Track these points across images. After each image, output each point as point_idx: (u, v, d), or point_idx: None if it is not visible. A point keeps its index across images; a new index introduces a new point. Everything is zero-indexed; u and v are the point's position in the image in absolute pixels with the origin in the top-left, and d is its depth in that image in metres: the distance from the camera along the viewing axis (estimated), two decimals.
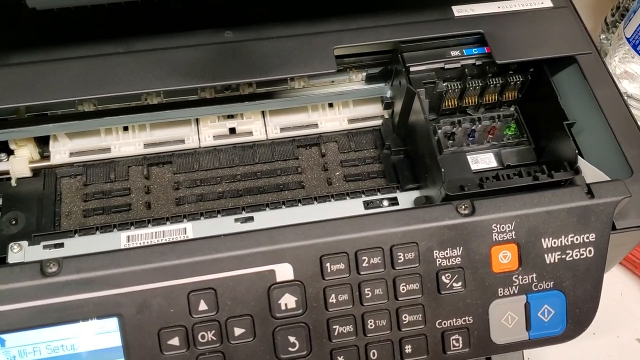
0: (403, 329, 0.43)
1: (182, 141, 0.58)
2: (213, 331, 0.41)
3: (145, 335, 0.41)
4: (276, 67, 0.52)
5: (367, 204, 0.54)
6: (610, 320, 0.62)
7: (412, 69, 0.54)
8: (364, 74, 0.59)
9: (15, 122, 0.55)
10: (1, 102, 0.50)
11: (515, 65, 0.55)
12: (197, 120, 0.59)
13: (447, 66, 0.55)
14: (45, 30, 0.54)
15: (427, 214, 0.43)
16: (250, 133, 0.59)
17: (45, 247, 0.50)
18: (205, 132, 0.58)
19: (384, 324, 0.43)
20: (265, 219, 0.52)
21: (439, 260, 0.43)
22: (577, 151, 0.49)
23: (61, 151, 0.57)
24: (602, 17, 0.76)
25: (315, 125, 0.60)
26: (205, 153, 0.58)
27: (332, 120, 0.60)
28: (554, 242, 0.44)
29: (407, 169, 0.57)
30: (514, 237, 0.44)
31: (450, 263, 0.43)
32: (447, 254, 0.43)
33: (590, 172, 0.48)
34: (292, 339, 0.42)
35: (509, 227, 0.44)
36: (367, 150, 0.59)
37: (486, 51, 0.55)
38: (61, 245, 0.50)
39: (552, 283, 0.44)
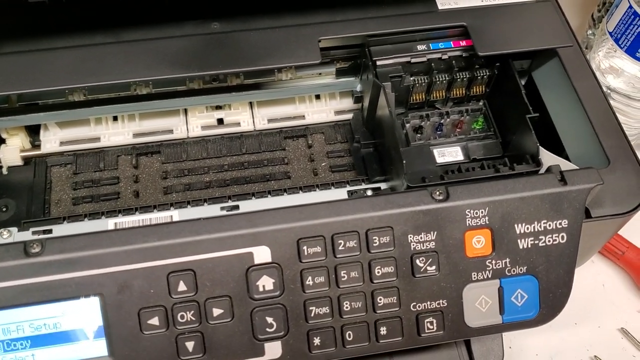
0: (378, 311, 0.44)
1: (171, 131, 0.59)
2: (192, 311, 0.42)
3: (126, 315, 0.42)
4: (262, 58, 0.53)
5: (351, 194, 0.55)
6: (591, 310, 0.63)
7: (378, 62, 0.55)
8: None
9: (6, 110, 0.56)
10: None
11: (480, 60, 0.56)
12: (185, 111, 0.60)
13: (413, 60, 0.55)
14: (36, 20, 0.55)
15: (402, 199, 0.43)
16: (238, 124, 0.60)
17: (34, 232, 0.51)
18: (194, 122, 0.59)
19: (360, 306, 0.44)
20: (250, 207, 0.52)
21: (413, 245, 0.44)
22: (538, 144, 0.50)
23: (52, 140, 0.58)
24: (590, 13, 0.76)
25: (302, 117, 0.61)
26: (194, 143, 0.59)
27: (319, 112, 0.61)
28: (527, 228, 0.45)
29: (375, 162, 0.58)
30: (487, 222, 0.44)
31: (425, 247, 0.44)
32: (421, 238, 0.44)
33: (557, 163, 0.48)
34: (269, 319, 0.43)
35: (482, 212, 0.44)
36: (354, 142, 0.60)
37: (452, 45, 0.56)
38: (50, 231, 0.51)
39: (525, 268, 0.45)
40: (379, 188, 0.55)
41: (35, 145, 0.58)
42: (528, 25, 0.56)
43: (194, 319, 0.42)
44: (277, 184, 0.58)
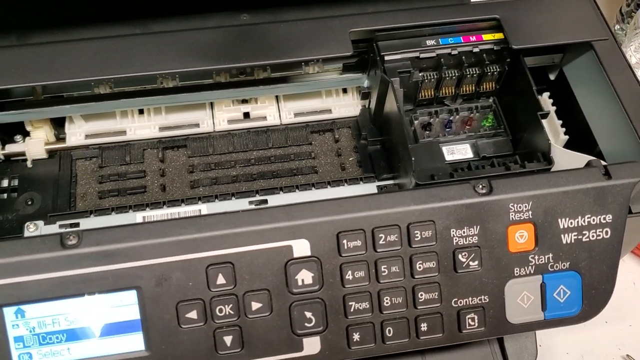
0: (419, 307, 0.43)
1: (197, 125, 0.58)
2: (231, 305, 0.41)
3: (164, 308, 0.41)
4: (292, 50, 0.52)
5: (380, 189, 0.54)
6: (622, 308, 0.62)
7: (387, 57, 0.54)
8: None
9: (31, 103, 0.55)
10: (19, 81, 0.50)
11: (489, 55, 0.55)
12: (211, 105, 0.59)
13: (422, 55, 0.54)
14: (64, 10, 0.54)
15: (444, 192, 0.43)
16: (264, 118, 0.59)
17: (61, 226, 0.50)
18: (220, 116, 0.59)
19: (400, 301, 0.43)
20: (279, 202, 0.52)
21: (455, 239, 0.43)
22: (549, 141, 0.49)
23: (77, 133, 0.57)
24: (617, 8, 0.75)
25: (329, 111, 0.60)
26: (220, 137, 0.59)
27: (346, 106, 0.60)
28: (571, 223, 0.44)
29: (382, 159, 0.57)
30: (530, 216, 0.44)
31: (467, 242, 0.43)
32: (464, 232, 0.43)
33: (573, 159, 0.48)
34: (308, 314, 0.43)
35: (526, 206, 0.44)
36: None
37: (462, 41, 0.55)
38: (77, 225, 0.51)
39: (568, 263, 0.44)
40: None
41: (60, 138, 0.58)
42: (562, 18, 0.56)
43: (232, 312, 0.41)
44: (304, 179, 0.57)
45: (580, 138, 0.56)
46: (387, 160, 0.57)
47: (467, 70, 0.55)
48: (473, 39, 0.55)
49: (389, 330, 0.43)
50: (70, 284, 0.40)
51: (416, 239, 0.42)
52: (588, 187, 0.44)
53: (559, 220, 0.44)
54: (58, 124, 0.58)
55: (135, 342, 0.41)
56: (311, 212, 0.42)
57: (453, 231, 0.43)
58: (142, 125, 0.58)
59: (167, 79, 0.56)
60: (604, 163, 0.45)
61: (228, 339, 0.41)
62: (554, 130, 0.57)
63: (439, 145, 0.55)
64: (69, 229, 0.45)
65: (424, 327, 0.43)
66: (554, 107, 0.58)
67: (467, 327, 0.44)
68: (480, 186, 0.43)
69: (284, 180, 0.57)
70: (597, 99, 0.55)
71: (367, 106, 0.60)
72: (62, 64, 0.51)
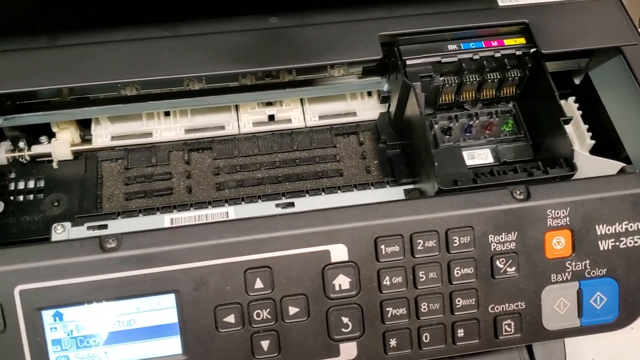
0: (456, 313, 0.43)
1: (222, 127, 0.58)
2: (268, 309, 0.41)
3: (202, 312, 0.41)
4: (321, 53, 0.52)
5: (407, 192, 0.54)
6: None
7: (408, 62, 0.54)
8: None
9: (58, 104, 0.55)
10: (47, 83, 0.50)
11: (511, 61, 0.54)
12: (237, 107, 0.59)
13: (444, 60, 0.54)
14: (93, 12, 0.54)
15: (483, 198, 0.43)
16: (289, 120, 0.59)
17: (89, 228, 0.50)
18: (245, 118, 0.59)
19: (437, 307, 0.43)
20: (305, 205, 0.52)
21: (493, 245, 0.43)
22: (572, 147, 0.49)
23: (103, 135, 0.57)
24: None
25: (354, 114, 0.60)
26: (245, 139, 0.58)
27: (371, 109, 0.60)
28: (608, 229, 0.44)
29: (402, 163, 0.56)
30: (568, 223, 0.44)
31: (505, 248, 0.43)
32: (502, 238, 0.43)
33: (598, 164, 0.48)
34: (345, 319, 0.42)
35: (563, 212, 0.43)
36: None
37: (484, 46, 0.55)
38: (105, 226, 0.50)
39: (605, 270, 0.44)
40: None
41: (86, 139, 0.58)
42: (590, 22, 0.56)
43: (269, 317, 0.41)
44: (330, 182, 0.57)
45: (607, 143, 0.55)
46: (407, 164, 0.56)
47: (488, 75, 0.55)
48: (495, 43, 0.55)
49: (426, 336, 0.43)
50: (108, 287, 0.40)
51: (454, 244, 0.42)
52: (625, 194, 0.44)
53: (596, 226, 0.44)
54: (84, 126, 0.58)
55: (173, 345, 0.41)
56: (349, 216, 0.42)
57: (491, 237, 0.43)
58: (167, 127, 0.58)
59: (194, 81, 0.56)
60: (632, 170, 0.45)
61: (265, 344, 0.41)
62: (579, 134, 0.57)
63: (460, 149, 0.55)
64: (108, 232, 0.44)
65: (460, 333, 0.43)
66: (580, 112, 0.58)
67: (504, 333, 0.43)
68: (518, 192, 0.43)
69: (309, 183, 0.56)
70: (625, 104, 0.55)
71: (387, 110, 0.59)
72: (91, 66, 0.51)
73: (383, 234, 0.42)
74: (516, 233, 0.43)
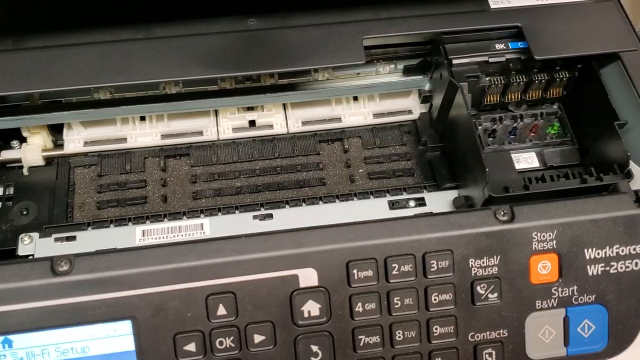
0: (433, 342, 0.41)
1: (201, 133, 0.57)
2: (232, 337, 0.40)
3: (161, 340, 0.39)
4: (302, 58, 0.51)
5: (392, 204, 0.52)
6: None
7: (454, 61, 0.52)
8: (393, 66, 0.57)
9: (28, 108, 0.54)
10: (15, 87, 0.49)
11: (561, 61, 0.53)
12: (216, 112, 0.57)
13: (491, 60, 0.53)
14: (62, 13, 0.53)
15: (463, 220, 0.41)
16: (271, 126, 0.57)
17: (56, 239, 0.49)
18: (225, 124, 0.57)
19: (413, 335, 0.41)
20: (284, 217, 0.50)
21: (474, 270, 0.41)
22: (628, 153, 0.46)
23: (75, 140, 0.56)
24: None
25: (339, 119, 0.58)
26: (224, 146, 0.57)
27: (357, 115, 0.58)
28: (598, 253, 0.42)
29: (444, 166, 0.55)
30: (555, 246, 0.42)
31: (487, 273, 0.41)
32: (483, 262, 0.41)
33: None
34: (314, 348, 0.41)
35: (550, 235, 0.41)
36: (393, 147, 0.57)
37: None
38: (73, 238, 0.49)
39: (594, 297, 0.42)
40: (422, 199, 0.52)
41: (58, 144, 0.56)
42: (588, 26, 0.54)
43: (233, 345, 0.40)
44: (312, 191, 0.55)
45: None
46: (448, 168, 0.54)
47: (536, 75, 0.53)
48: None
49: None
50: (61, 313, 0.38)
51: (432, 269, 0.40)
52: (618, 215, 0.42)
53: (586, 250, 0.42)
54: (56, 130, 0.56)
55: None
56: (320, 238, 0.40)
57: (472, 261, 0.41)
58: (143, 132, 0.56)
59: (170, 85, 0.55)
60: (634, 188, 0.42)
61: None
62: None
63: (510, 154, 0.53)
64: (61, 252, 0.42)
65: None
66: None
67: None
68: (502, 212, 0.41)
69: (290, 192, 0.55)
70: (625, 112, 0.52)
71: (427, 110, 0.58)
72: (60, 70, 0.49)
73: (356, 257, 0.40)
74: (499, 257, 0.41)
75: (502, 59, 0.53)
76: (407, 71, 0.57)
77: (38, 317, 0.38)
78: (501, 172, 0.51)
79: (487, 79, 0.53)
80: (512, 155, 0.53)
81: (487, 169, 0.45)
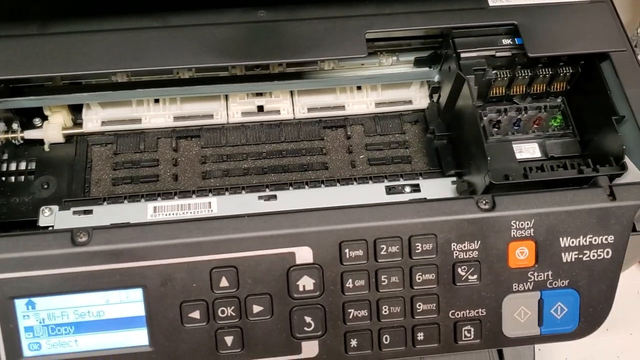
0: (416, 317, 0.44)
1: (211, 116, 0.59)
2: (233, 307, 0.43)
3: (168, 307, 0.42)
4: (307, 49, 0.53)
5: (389, 189, 0.54)
6: (624, 317, 0.62)
7: (462, 55, 0.54)
8: (395, 58, 0.59)
9: (50, 89, 0.56)
10: (40, 70, 0.51)
11: (563, 58, 0.55)
12: (226, 97, 0.59)
13: (498, 54, 0.54)
14: (85, 1, 0.55)
15: (447, 207, 0.43)
16: (278, 112, 0.59)
17: (74, 212, 0.52)
18: (234, 108, 0.59)
19: (398, 310, 0.44)
20: (288, 198, 0.53)
21: (456, 253, 0.44)
22: (624, 147, 0.48)
23: (93, 119, 0.58)
24: None
25: (342, 107, 0.60)
26: (233, 129, 0.59)
27: (360, 103, 0.60)
28: (572, 242, 0.44)
29: (450, 154, 0.57)
30: (532, 234, 0.44)
31: (467, 256, 0.44)
32: (464, 247, 0.44)
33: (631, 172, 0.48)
34: (308, 319, 0.44)
35: (528, 224, 0.44)
36: (393, 135, 0.60)
37: None
38: (90, 212, 0.52)
39: (567, 281, 0.45)
40: (417, 185, 0.55)
41: (77, 123, 0.59)
42: (581, 26, 0.55)
43: (234, 314, 0.43)
44: (315, 175, 0.57)
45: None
46: (453, 156, 0.57)
47: (541, 70, 0.55)
48: None
49: (386, 338, 0.44)
50: (79, 280, 0.41)
51: (417, 251, 0.43)
52: (592, 208, 0.44)
53: (561, 239, 0.44)
54: (76, 110, 0.59)
55: (140, 337, 0.43)
56: (315, 220, 0.43)
57: (454, 245, 0.43)
58: (157, 114, 0.59)
59: (184, 70, 0.57)
60: (628, 180, 0.45)
61: (229, 339, 0.43)
62: None
63: (512, 144, 0.55)
64: (79, 224, 0.46)
65: (420, 336, 0.44)
66: None
67: (463, 339, 0.44)
68: (484, 202, 0.43)
69: (294, 175, 0.57)
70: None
71: (435, 101, 0.60)
72: (82, 55, 0.52)
73: (348, 238, 0.43)
74: (479, 242, 0.44)
75: (508, 53, 0.54)
76: (417, 63, 0.59)
77: (58, 282, 0.41)
78: (503, 161, 0.53)
79: (494, 72, 0.54)
80: (515, 145, 0.54)
81: (488, 158, 0.47)
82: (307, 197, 0.53)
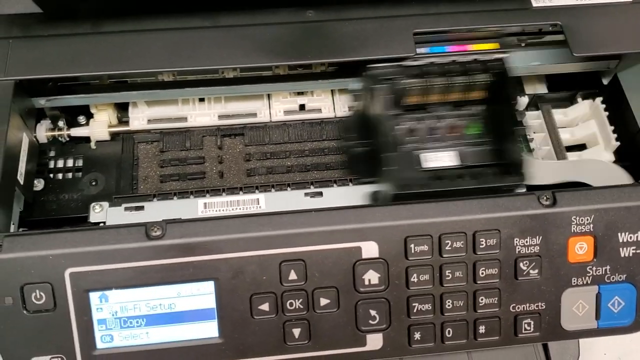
0: (478, 311, 0.45)
1: (254, 115, 0.59)
2: (301, 300, 0.43)
3: (238, 299, 0.43)
4: (355, 49, 0.53)
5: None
6: None
7: (370, 65, 0.53)
8: None
9: (97, 87, 0.57)
10: (89, 69, 0.52)
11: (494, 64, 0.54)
12: (269, 96, 0.60)
13: (407, 64, 0.53)
14: (136, 0, 0.55)
15: (510, 203, 0.44)
16: (319, 110, 0.60)
17: (126, 209, 0.52)
18: (277, 107, 0.60)
19: (461, 304, 0.45)
20: (333, 195, 0.54)
21: (518, 248, 0.45)
22: (522, 157, 0.49)
23: (139, 117, 0.59)
24: None
25: None
26: (276, 127, 0.60)
27: None
28: (630, 237, 0.45)
29: (364, 163, 0.55)
30: (591, 229, 0.45)
31: (529, 251, 0.45)
32: (526, 242, 0.45)
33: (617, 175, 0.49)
34: (373, 312, 0.44)
35: (587, 219, 0.45)
36: None
37: (446, 50, 0.55)
38: (142, 208, 0.52)
39: (624, 276, 0.46)
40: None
41: (123, 121, 0.59)
42: (623, 25, 0.56)
43: (302, 307, 0.43)
44: None
45: (632, 145, 0.56)
46: (367, 164, 0.55)
47: (454, 79, 0.54)
48: (466, 48, 0.56)
49: (449, 331, 0.45)
50: (152, 273, 0.42)
51: (481, 246, 0.44)
52: None
53: (619, 234, 0.45)
54: (121, 108, 0.59)
55: (210, 329, 0.43)
56: (381, 215, 0.44)
57: (516, 240, 0.44)
58: (202, 113, 0.59)
59: (228, 70, 0.57)
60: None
61: (296, 331, 0.44)
62: (605, 136, 0.57)
63: (418, 152, 0.54)
64: (144, 214, 0.47)
65: (482, 329, 0.45)
66: (607, 113, 0.58)
67: (523, 332, 0.45)
68: (545, 198, 0.44)
69: (336, 172, 0.58)
70: None
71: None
72: (132, 54, 0.52)
73: (413, 234, 0.44)
74: (540, 237, 0.45)
75: (418, 63, 0.53)
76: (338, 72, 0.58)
77: (132, 275, 0.42)
78: (410, 170, 0.52)
79: (406, 81, 0.53)
80: (425, 153, 0.54)
81: (394, 167, 0.48)
82: (352, 194, 0.54)
